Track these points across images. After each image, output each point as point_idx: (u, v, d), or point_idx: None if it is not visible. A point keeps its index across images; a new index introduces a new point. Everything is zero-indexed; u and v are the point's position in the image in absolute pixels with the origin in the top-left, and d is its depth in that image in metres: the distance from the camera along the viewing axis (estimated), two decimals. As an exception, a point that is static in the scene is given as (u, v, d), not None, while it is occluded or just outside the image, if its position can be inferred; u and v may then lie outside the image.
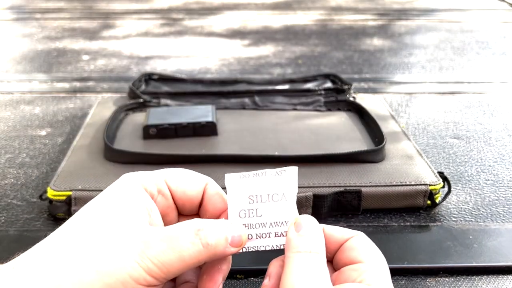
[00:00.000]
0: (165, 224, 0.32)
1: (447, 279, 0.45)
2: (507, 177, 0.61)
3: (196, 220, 0.29)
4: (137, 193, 0.30)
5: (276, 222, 0.31)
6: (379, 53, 1.14)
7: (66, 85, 0.93)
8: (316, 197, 0.52)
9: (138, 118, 0.70)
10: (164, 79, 0.87)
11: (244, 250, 0.31)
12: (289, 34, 1.31)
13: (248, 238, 0.31)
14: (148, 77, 0.86)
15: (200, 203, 0.33)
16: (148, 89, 0.82)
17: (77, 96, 0.87)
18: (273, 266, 0.30)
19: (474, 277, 0.45)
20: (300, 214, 0.35)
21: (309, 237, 0.29)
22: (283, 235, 0.31)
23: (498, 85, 0.93)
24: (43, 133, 0.73)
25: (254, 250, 0.31)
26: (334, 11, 1.57)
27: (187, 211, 0.33)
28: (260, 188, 0.31)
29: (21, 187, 0.59)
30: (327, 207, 0.53)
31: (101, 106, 0.75)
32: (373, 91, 0.89)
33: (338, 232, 0.31)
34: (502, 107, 0.83)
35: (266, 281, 0.29)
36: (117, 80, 0.95)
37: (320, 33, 1.32)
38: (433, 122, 0.77)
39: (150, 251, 0.26)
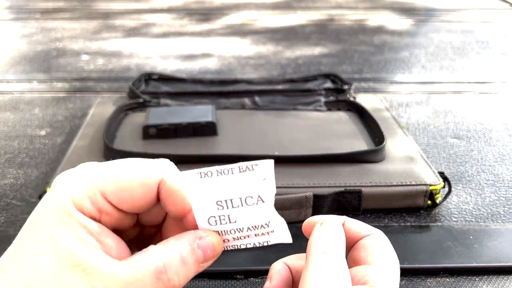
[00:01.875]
0: (127, 236, 0.28)
1: (447, 279, 0.45)
2: (507, 177, 0.61)
3: (154, 258, 0.24)
4: (71, 225, 0.24)
5: (255, 226, 0.27)
6: (379, 53, 1.14)
7: (65, 85, 0.93)
8: (316, 197, 0.52)
9: (138, 118, 0.70)
10: (164, 79, 0.87)
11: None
12: (289, 34, 1.30)
13: (224, 242, 0.27)
14: (148, 77, 0.86)
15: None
16: (148, 89, 0.82)
17: (76, 96, 0.87)
18: (274, 269, 0.29)
19: (475, 277, 0.45)
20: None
21: (333, 238, 0.27)
22: (265, 234, 0.27)
23: (498, 85, 0.93)
24: (43, 133, 0.73)
25: (233, 249, 0.28)
26: (334, 10, 1.57)
27: (145, 213, 0.28)
28: (228, 191, 0.25)
29: (20, 187, 0.59)
30: (327, 207, 0.53)
31: (101, 106, 0.75)
32: (373, 91, 0.89)
33: (356, 227, 0.29)
34: (502, 107, 0.83)
35: (267, 284, 0.29)
36: (116, 80, 0.95)
37: (320, 33, 1.31)
38: (433, 122, 0.77)
39: None
